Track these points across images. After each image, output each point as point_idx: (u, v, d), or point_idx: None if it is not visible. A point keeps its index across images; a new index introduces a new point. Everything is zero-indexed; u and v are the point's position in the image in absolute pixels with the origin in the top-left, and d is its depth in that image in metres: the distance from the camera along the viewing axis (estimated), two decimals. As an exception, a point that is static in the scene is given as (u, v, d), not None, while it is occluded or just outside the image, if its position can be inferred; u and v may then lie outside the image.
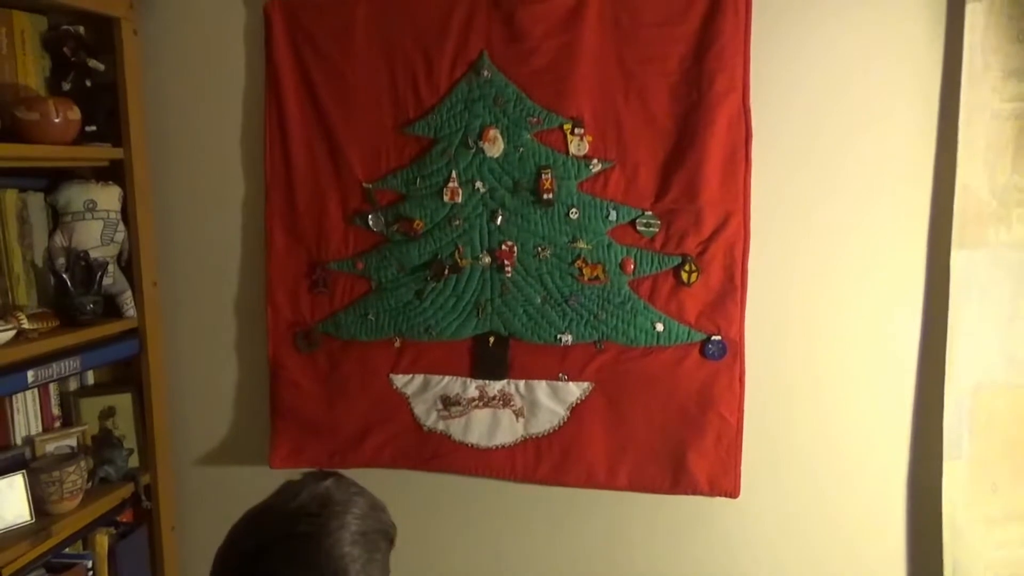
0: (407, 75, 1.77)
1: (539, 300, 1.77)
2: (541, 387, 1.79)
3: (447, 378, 1.83)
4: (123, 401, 1.92)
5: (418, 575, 1.93)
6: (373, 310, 1.84)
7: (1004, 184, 1.59)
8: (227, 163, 1.93)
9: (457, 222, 1.78)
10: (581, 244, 1.74)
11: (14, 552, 1.57)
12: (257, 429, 1.97)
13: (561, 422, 1.79)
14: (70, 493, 1.70)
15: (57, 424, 1.83)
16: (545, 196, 1.73)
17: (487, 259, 1.78)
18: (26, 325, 1.61)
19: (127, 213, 1.87)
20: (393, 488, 1.89)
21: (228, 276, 1.97)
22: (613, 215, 1.73)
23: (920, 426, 1.70)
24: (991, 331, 1.63)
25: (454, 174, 1.77)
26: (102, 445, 1.86)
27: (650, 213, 1.72)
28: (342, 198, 1.83)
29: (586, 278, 1.74)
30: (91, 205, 1.79)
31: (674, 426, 1.74)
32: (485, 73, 1.74)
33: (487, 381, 1.82)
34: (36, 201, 1.76)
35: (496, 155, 1.76)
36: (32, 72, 1.73)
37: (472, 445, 1.83)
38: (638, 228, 1.72)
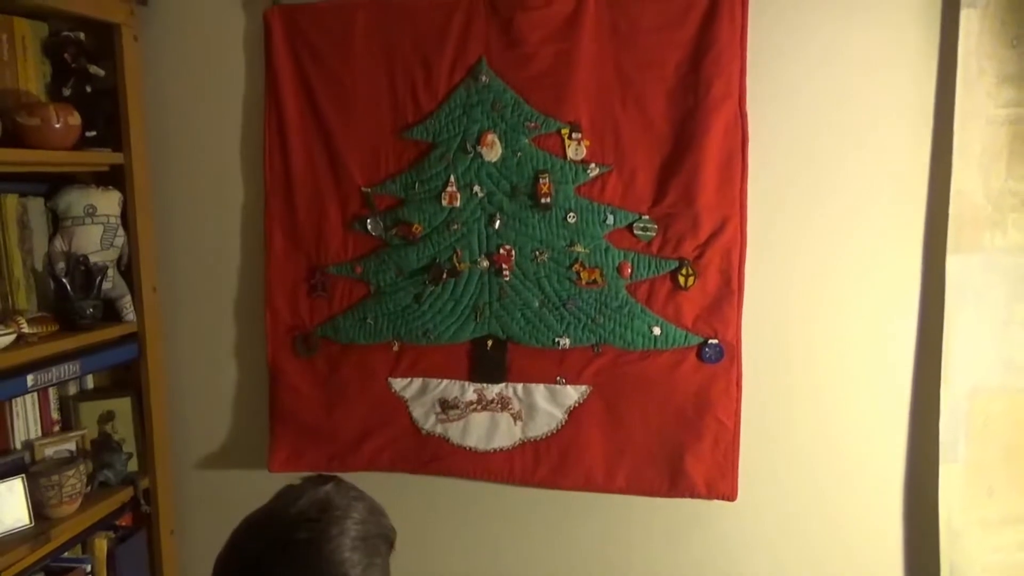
0: (406, 80, 1.78)
1: (537, 304, 1.78)
2: (539, 390, 1.80)
3: (445, 381, 1.84)
4: (122, 405, 1.93)
5: (417, 579, 1.94)
6: (372, 314, 1.84)
7: (999, 189, 1.60)
8: (226, 168, 1.94)
9: (455, 226, 1.79)
10: (579, 248, 1.75)
11: (13, 556, 1.57)
12: (256, 433, 1.97)
13: (559, 425, 1.80)
14: (69, 497, 1.70)
15: (56, 428, 1.84)
16: (543, 200, 1.74)
17: (485, 263, 1.79)
18: (26, 329, 1.61)
19: (127, 218, 1.88)
20: (392, 491, 1.90)
21: (227, 280, 1.98)
22: (610, 219, 1.74)
23: (916, 430, 1.70)
24: (987, 335, 1.64)
25: (452, 179, 1.78)
26: (101, 449, 1.86)
27: (647, 217, 1.72)
28: (341, 203, 1.84)
29: (584, 282, 1.75)
30: (91, 210, 1.80)
31: (671, 429, 1.74)
32: (483, 78, 1.75)
33: (485, 384, 1.82)
34: (36, 206, 1.77)
35: (494, 160, 1.76)
36: (33, 78, 1.74)
37: (470, 448, 1.83)
38: (635, 232, 1.73)
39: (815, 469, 1.76)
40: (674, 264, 1.72)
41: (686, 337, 1.72)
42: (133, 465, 1.93)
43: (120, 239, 1.86)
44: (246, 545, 0.93)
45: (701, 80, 1.65)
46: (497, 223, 1.77)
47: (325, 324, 1.88)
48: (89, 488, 1.80)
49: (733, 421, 1.72)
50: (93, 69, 1.80)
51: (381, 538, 0.98)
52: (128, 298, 1.88)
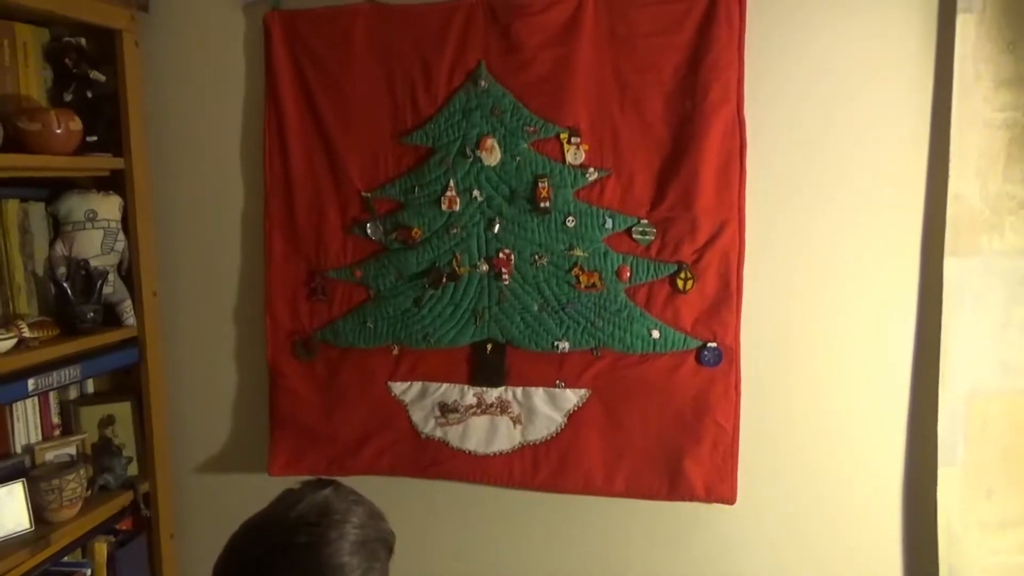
0: (405, 85, 1.79)
1: (536, 308, 1.78)
2: (538, 394, 1.80)
3: (445, 385, 1.84)
4: (123, 409, 1.93)
5: (416, 582, 1.94)
6: (371, 318, 1.85)
7: (996, 192, 1.60)
8: (227, 172, 1.95)
9: (455, 230, 1.80)
10: (578, 252, 1.75)
11: (13, 560, 1.57)
12: (256, 437, 1.98)
13: (558, 429, 1.80)
14: (69, 501, 1.70)
15: (57, 432, 1.84)
16: (542, 204, 1.75)
17: (484, 267, 1.79)
18: (27, 334, 1.62)
19: (127, 223, 1.88)
20: (391, 495, 1.90)
21: (227, 285, 1.98)
22: (609, 223, 1.74)
23: (915, 433, 1.71)
24: (985, 338, 1.64)
25: (452, 183, 1.79)
26: (101, 453, 1.87)
27: (646, 221, 1.73)
28: (341, 207, 1.85)
29: (583, 286, 1.76)
30: (92, 215, 1.80)
31: (670, 433, 1.75)
32: (482, 83, 1.75)
33: (485, 388, 1.82)
34: (37, 211, 1.77)
35: (493, 164, 1.77)
36: (34, 83, 1.75)
37: (470, 452, 1.84)
38: (634, 236, 1.74)
39: (814, 472, 1.76)
40: (673, 268, 1.72)
41: (685, 340, 1.73)
42: (133, 469, 1.93)
43: (121, 244, 1.87)
44: (245, 549, 0.94)
45: (699, 84, 1.66)
46: (496, 227, 1.78)
47: (325, 328, 1.88)
48: (89, 492, 1.80)
49: (732, 424, 1.73)
50: (94, 74, 1.80)
51: (380, 542, 0.98)
52: (128, 302, 1.89)
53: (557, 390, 1.80)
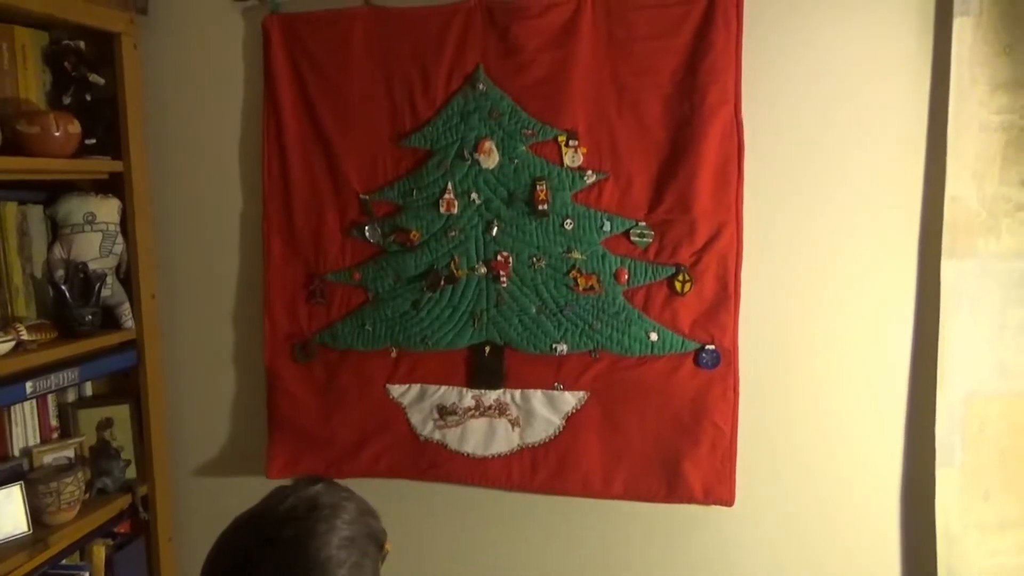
0: (403, 88, 1.79)
1: (534, 310, 1.78)
2: (537, 396, 1.81)
3: (443, 388, 1.84)
4: (121, 412, 1.93)
5: (415, 585, 1.94)
6: (370, 320, 1.85)
7: (993, 195, 1.61)
8: (225, 176, 1.95)
9: (453, 233, 1.80)
10: (576, 254, 1.76)
11: (11, 563, 1.57)
12: (254, 440, 1.98)
13: (557, 431, 1.80)
14: (67, 504, 1.70)
15: (55, 435, 1.84)
16: (540, 207, 1.75)
17: (483, 270, 1.80)
18: (25, 336, 1.62)
19: (126, 225, 1.88)
20: (390, 497, 1.91)
21: (226, 288, 1.99)
22: (607, 226, 1.74)
23: (913, 434, 1.71)
24: (982, 340, 1.64)
25: (450, 186, 1.79)
26: (100, 456, 1.86)
27: (644, 224, 1.73)
28: (339, 210, 1.85)
29: (581, 288, 1.76)
30: (90, 217, 1.80)
31: (669, 435, 1.75)
32: (480, 86, 1.76)
33: (483, 391, 1.83)
34: (36, 213, 1.78)
35: (491, 167, 1.77)
36: (33, 86, 1.75)
37: (468, 454, 1.84)
38: (632, 239, 1.74)
39: (813, 473, 1.76)
40: (671, 270, 1.73)
41: (683, 343, 1.73)
42: (131, 472, 1.93)
43: (119, 246, 1.87)
44: (234, 543, 0.94)
45: (697, 87, 1.66)
46: (494, 230, 1.78)
47: (323, 331, 1.88)
48: (87, 495, 1.80)
49: (730, 426, 1.73)
50: (93, 77, 1.81)
51: (370, 538, 0.98)
52: (127, 305, 1.89)
53: (555, 392, 1.80)
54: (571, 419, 1.79)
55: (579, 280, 1.76)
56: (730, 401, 1.73)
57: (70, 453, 1.83)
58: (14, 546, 1.61)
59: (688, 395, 1.73)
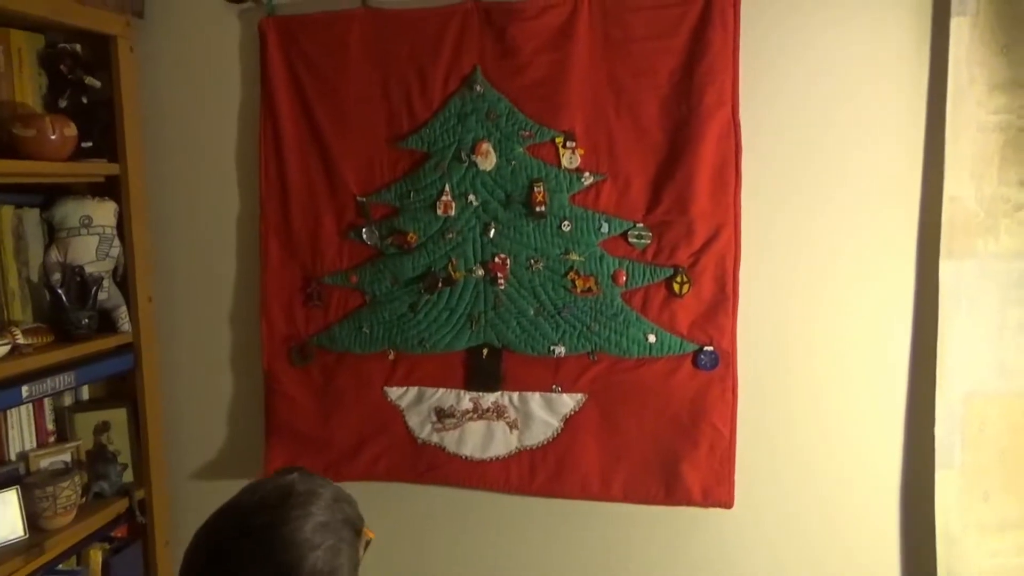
0: (400, 90, 1.79)
1: (532, 312, 1.78)
2: (535, 399, 1.80)
3: (441, 390, 1.84)
4: (118, 416, 1.92)
5: (413, 589, 1.93)
6: (367, 323, 1.85)
7: (991, 195, 1.61)
8: (222, 178, 1.95)
9: (450, 235, 1.79)
10: (573, 256, 1.75)
11: (8, 568, 1.56)
12: (252, 443, 1.97)
13: (555, 433, 1.80)
14: (64, 508, 1.70)
15: (51, 439, 1.84)
16: (537, 209, 1.75)
17: (480, 272, 1.79)
18: (21, 340, 1.61)
19: (122, 229, 1.88)
20: (388, 500, 1.91)
21: (223, 290, 1.98)
22: (605, 227, 1.74)
23: (912, 435, 1.71)
24: (981, 341, 1.64)
25: (447, 187, 1.79)
26: (96, 460, 1.86)
27: (642, 225, 1.73)
28: (336, 212, 1.85)
29: (579, 290, 1.76)
30: (87, 221, 1.80)
31: (667, 437, 1.74)
32: (478, 88, 1.75)
33: (481, 393, 1.82)
34: (32, 217, 1.77)
35: (489, 168, 1.77)
36: (29, 89, 1.74)
37: (466, 457, 1.83)
38: (630, 240, 1.74)
39: (812, 474, 1.75)
40: (669, 272, 1.72)
41: (681, 344, 1.73)
42: (128, 476, 1.92)
43: (116, 250, 1.86)
44: (209, 534, 0.94)
45: (694, 88, 1.66)
46: (492, 232, 1.78)
47: (321, 333, 1.88)
48: (84, 499, 1.80)
49: (729, 428, 1.72)
50: (89, 80, 1.80)
51: (346, 523, 0.98)
52: (124, 309, 1.88)
53: (554, 395, 1.79)
54: (569, 421, 1.79)
55: (577, 282, 1.76)
56: (729, 402, 1.72)
57: (67, 457, 1.82)
58: (10, 551, 1.60)
59: (687, 397, 1.73)
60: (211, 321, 2.00)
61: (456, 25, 1.75)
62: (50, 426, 1.83)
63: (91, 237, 1.80)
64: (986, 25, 1.57)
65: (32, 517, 1.66)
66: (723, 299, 1.70)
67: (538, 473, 1.81)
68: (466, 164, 1.77)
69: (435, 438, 1.85)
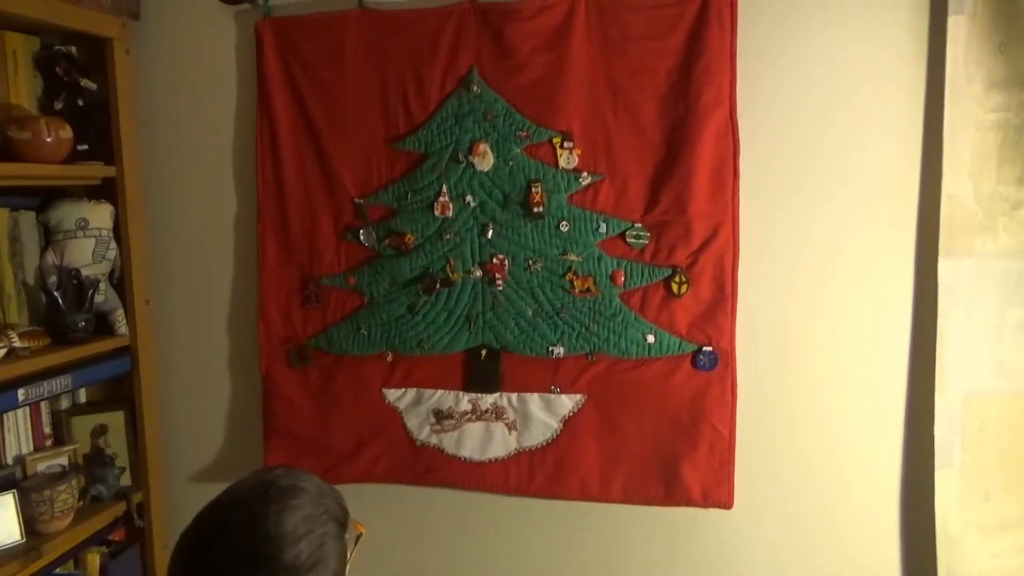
0: (397, 91, 1.79)
1: (530, 313, 1.77)
2: (534, 400, 1.80)
3: (439, 392, 1.83)
4: (115, 419, 1.92)
5: (412, 591, 1.92)
6: (365, 325, 1.84)
7: (989, 194, 1.60)
8: (219, 180, 1.94)
9: (448, 236, 1.79)
10: (572, 256, 1.75)
11: (4, 572, 1.56)
12: (250, 445, 1.97)
13: (554, 435, 1.79)
14: (61, 512, 1.69)
15: (48, 443, 1.83)
16: (535, 209, 1.74)
17: (478, 272, 1.79)
18: (17, 343, 1.61)
19: (119, 231, 1.87)
20: (387, 502, 1.91)
21: (220, 293, 1.98)
22: (603, 227, 1.74)
23: (912, 435, 1.70)
24: (980, 340, 1.63)
25: (445, 188, 1.78)
26: (94, 463, 1.85)
27: (640, 225, 1.73)
28: (334, 214, 1.84)
29: (577, 290, 1.75)
30: (83, 223, 1.79)
31: (667, 437, 1.74)
32: (475, 88, 1.75)
33: (479, 394, 1.82)
34: (28, 219, 1.77)
35: (486, 169, 1.77)
36: (24, 92, 1.74)
37: (465, 459, 1.83)
38: (628, 240, 1.73)
39: (812, 475, 1.75)
40: (667, 272, 1.72)
41: (680, 345, 1.72)
42: (126, 479, 1.92)
43: (112, 252, 1.86)
44: (192, 533, 0.95)
45: (691, 88, 1.66)
46: (490, 232, 1.77)
47: (319, 335, 1.87)
48: (81, 503, 1.79)
49: (728, 428, 1.72)
50: (85, 83, 1.80)
51: (330, 517, 0.98)
52: (120, 311, 1.88)
53: (552, 396, 1.79)
54: (568, 422, 1.78)
55: (575, 282, 1.75)
56: (728, 403, 1.72)
57: (64, 461, 1.81)
58: (7, 555, 1.60)
59: (686, 397, 1.73)
60: (209, 323, 1.99)
61: (453, 26, 1.75)
62: (47, 429, 1.83)
63: (87, 240, 1.80)
64: (984, 23, 1.57)
65: (29, 521, 1.65)
66: (722, 299, 1.70)
67: (537, 474, 1.80)
68: (463, 165, 1.77)
69: (434, 440, 1.84)
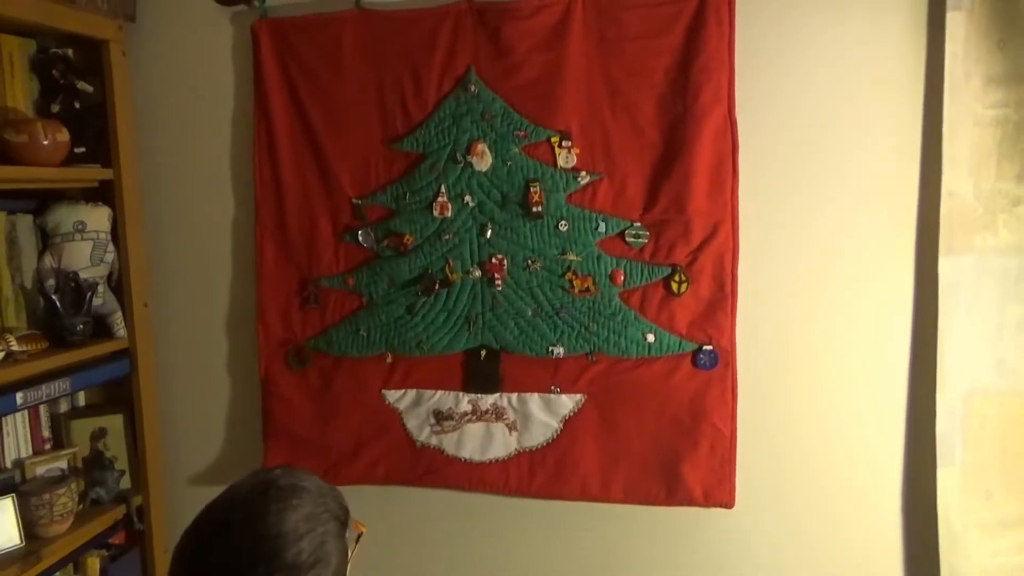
0: (395, 91, 1.78)
1: (530, 313, 1.77)
2: (534, 400, 1.79)
3: (439, 393, 1.83)
4: (114, 422, 1.91)
5: (413, 592, 1.92)
6: (364, 326, 1.84)
7: (989, 190, 1.60)
8: (217, 182, 1.94)
9: (447, 236, 1.79)
10: (571, 256, 1.74)
11: (4, 577, 1.56)
12: (250, 448, 1.96)
13: (554, 435, 1.79)
14: (60, 516, 1.68)
15: (47, 446, 1.82)
16: (534, 209, 1.74)
17: (477, 273, 1.78)
18: (15, 347, 1.60)
19: (117, 233, 1.87)
20: (388, 504, 1.90)
21: (219, 295, 1.97)
22: (602, 227, 1.73)
23: (913, 433, 1.70)
24: (981, 338, 1.63)
25: (443, 189, 1.78)
26: (93, 467, 1.85)
27: (639, 224, 1.72)
28: (332, 215, 1.84)
29: (576, 290, 1.75)
30: (80, 226, 1.79)
31: (667, 437, 1.73)
32: (472, 88, 1.75)
33: (479, 395, 1.81)
34: (25, 223, 1.76)
35: (485, 169, 1.76)
36: (21, 95, 1.73)
37: (465, 460, 1.82)
38: (627, 239, 1.73)
39: (813, 474, 1.75)
40: (667, 271, 1.71)
41: (680, 344, 1.72)
42: (126, 482, 1.91)
43: (110, 255, 1.85)
44: (192, 533, 0.95)
45: (689, 87, 1.66)
46: (489, 232, 1.77)
47: (318, 337, 1.87)
48: (81, 506, 1.78)
49: (729, 427, 1.72)
50: (81, 85, 1.80)
51: (330, 516, 0.98)
52: (119, 314, 1.87)
53: (552, 396, 1.78)
54: (568, 422, 1.78)
55: (575, 282, 1.75)
56: (729, 402, 1.71)
57: (63, 464, 1.81)
58: (6, 560, 1.59)
59: (686, 396, 1.72)
60: (207, 326, 1.99)
61: (450, 25, 1.74)
62: (46, 433, 1.82)
63: (85, 242, 1.80)
64: (982, 20, 1.57)
65: (28, 525, 1.65)
66: (722, 298, 1.70)
67: (537, 475, 1.80)
68: (462, 165, 1.76)
69: (434, 440, 1.84)
